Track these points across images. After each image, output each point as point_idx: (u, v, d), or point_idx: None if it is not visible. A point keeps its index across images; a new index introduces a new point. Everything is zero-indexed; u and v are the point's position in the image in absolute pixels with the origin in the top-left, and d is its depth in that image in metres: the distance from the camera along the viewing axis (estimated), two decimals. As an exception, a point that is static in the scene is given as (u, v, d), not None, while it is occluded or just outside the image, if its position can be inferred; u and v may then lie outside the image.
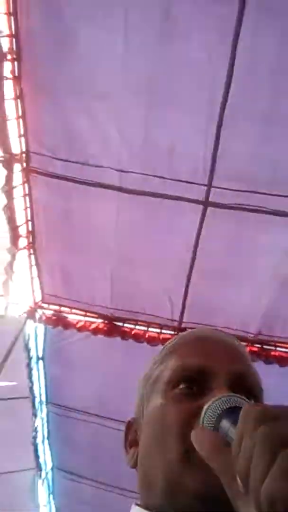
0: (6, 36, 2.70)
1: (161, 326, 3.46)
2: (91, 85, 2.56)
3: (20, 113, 2.90)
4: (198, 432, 0.53)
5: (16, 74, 2.79)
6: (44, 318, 3.80)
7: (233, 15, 2.12)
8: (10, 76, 2.82)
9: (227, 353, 0.73)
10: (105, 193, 2.91)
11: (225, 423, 0.51)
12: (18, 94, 2.86)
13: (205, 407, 0.56)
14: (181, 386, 0.67)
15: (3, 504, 5.21)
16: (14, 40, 2.69)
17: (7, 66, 2.76)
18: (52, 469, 5.32)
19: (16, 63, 2.77)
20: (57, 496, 5.59)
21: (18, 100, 2.88)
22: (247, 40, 2.19)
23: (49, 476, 5.39)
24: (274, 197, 2.59)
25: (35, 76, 2.69)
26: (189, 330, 0.83)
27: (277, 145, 2.43)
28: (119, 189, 2.86)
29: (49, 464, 5.26)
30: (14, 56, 2.75)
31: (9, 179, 3.07)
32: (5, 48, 2.71)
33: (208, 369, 0.67)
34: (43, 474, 5.28)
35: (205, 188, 2.66)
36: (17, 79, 2.81)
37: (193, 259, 2.96)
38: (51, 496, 5.62)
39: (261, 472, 0.39)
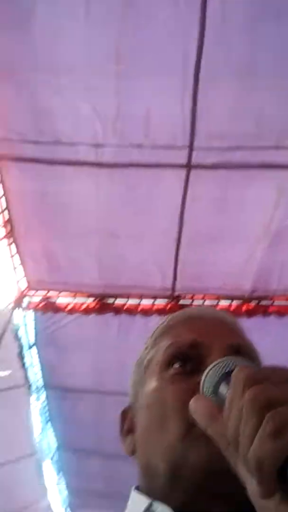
0: None
1: (154, 297, 3.42)
2: (55, 60, 2.39)
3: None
4: (193, 401, 0.51)
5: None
6: (31, 305, 3.69)
7: None
8: None
9: (220, 327, 0.71)
10: (82, 170, 2.78)
11: (223, 388, 0.50)
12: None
13: (204, 374, 0.54)
14: (175, 366, 0.65)
15: (13, 489, 5.24)
16: None
17: None
18: (57, 449, 5.33)
19: None
20: (67, 475, 5.65)
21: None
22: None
23: (56, 457, 5.41)
24: (258, 150, 2.55)
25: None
26: (181, 310, 0.79)
27: (256, 97, 2.36)
28: (96, 164, 2.74)
29: (54, 445, 5.28)
30: None
31: (-22, 168, 2.86)
32: None
33: (201, 343, 0.65)
34: (50, 455, 5.29)
35: (187, 150, 2.58)
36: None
37: (181, 225, 2.91)
38: (60, 474, 5.67)
39: (248, 435, 0.40)
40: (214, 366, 0.54)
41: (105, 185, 2.87)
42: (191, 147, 2.57)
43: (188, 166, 2.66)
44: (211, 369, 0.54)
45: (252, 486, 0.41)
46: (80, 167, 2.76)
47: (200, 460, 0.55)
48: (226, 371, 0.52)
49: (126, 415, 0.73)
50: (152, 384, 0.66)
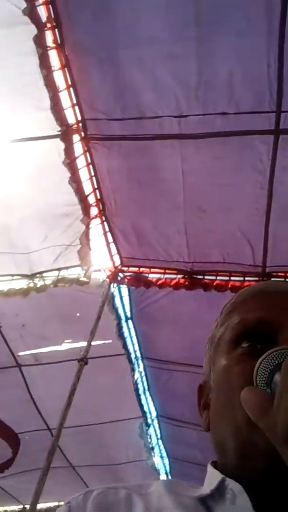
0: (43, 4, 2.46)
1: (244, 274, 3.15)
2: (136, 34, 2.27)
3: (69, 82, 2.66)
4: (243, 393, 0.48)
5: (59, 42, 2.54)
6: (125, 280, 3.68)
7: None
8: (53, 45, 2.58)
9: None
10: (166, 144, 2.62)
11: (277, 379, 0.46)
12: (64, 62, 2.61)
13: (258, 362, 0.50)
14: (243, 345, 0.60)
15: (122, 446, 5.43)
16: (51, 7, 2.43)
17: (48, 36, 2.52)
18: (156, 417, 5.36)
19: (56, 30, 2.50)
20: (166, 441, 5.67)
21: (66, 69, 2.64)
22: None
23: (155, 423, 5.45)
24: None
25: (78, 40, 2.42)
26: (249, 286, 0.71)
27: None
28: (180, 136, 2.55)
29: (153, 413, 5.31)
30: (54, 24, 2.49)
31: (69, 151, 2.87)
32: (44, 17, 2.47)
33: (269, 321, 0.59)
34: (149, 421, 5.35)
35: (274, 114, 2.26)
36: (60, 47, 2.57)
37: (270, 196, 2.60)
38: (160, 441, 5.71)
39: None
40: (269, 354, 0.50)
41: (190, 157, 2.69)
42: (278, 110, 2.25)
43: (277, 132, 2.34)
44: (266, 357, 0.50)
45: None
46: (164, 141, 2.60)
47: (266, 446, 0.49)
48: (281, 361, 0.48)
49: (202, 390, 0.71)
50: (221, 363, 0.63)
